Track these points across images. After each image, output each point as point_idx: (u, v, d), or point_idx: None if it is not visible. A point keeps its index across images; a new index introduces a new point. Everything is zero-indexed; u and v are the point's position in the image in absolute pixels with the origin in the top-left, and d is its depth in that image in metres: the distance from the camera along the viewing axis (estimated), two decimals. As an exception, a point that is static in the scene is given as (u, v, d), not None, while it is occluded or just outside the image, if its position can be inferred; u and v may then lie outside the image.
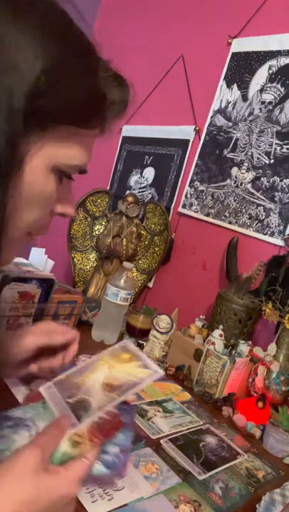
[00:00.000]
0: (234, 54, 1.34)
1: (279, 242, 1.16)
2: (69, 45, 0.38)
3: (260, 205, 1.22)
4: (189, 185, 1.43)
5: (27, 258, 1.05)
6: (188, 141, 1.46)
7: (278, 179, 1.18)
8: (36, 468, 0.42)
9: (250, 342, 1.05)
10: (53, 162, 0.41)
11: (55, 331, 0.70)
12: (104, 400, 0.50)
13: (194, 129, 1.43)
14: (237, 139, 1.30)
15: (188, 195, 1.42)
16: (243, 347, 1.01)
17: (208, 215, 1.35)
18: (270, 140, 1.22)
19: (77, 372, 0.56)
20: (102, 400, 0.50)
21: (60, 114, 0.38)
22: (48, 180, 0.42)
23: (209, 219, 1.35)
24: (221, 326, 1.06)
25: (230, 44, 1.35)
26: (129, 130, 1.71)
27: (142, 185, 1.63)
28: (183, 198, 1.44)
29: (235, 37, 1.35)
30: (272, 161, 1.20)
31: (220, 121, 1.36)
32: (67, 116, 0.39)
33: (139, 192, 1.63)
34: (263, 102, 1.25)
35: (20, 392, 0.73)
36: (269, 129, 1.22)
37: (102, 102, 0.42)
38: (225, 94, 1.36)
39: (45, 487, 0.42)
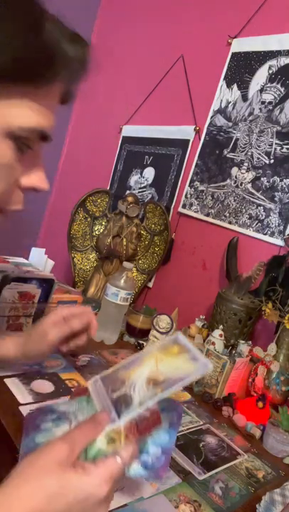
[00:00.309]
0: (234, 54, 1.34)
1: (279, 242, 1.16)
2: (7, 3, 0.36)
3: (260, 205, 1.22)
4: (189, 185, 1.43)
5: (27, 258, 1.05)
6: (188, 141, 1.46)
7: (278, 179, 1.18)
8: (61, 463, 0.41)
9: (250, 342, 1.05)
10: (4, 125, 0.39)
11: (73, 315, 0.74)
12: (147, 396, 0.48)
13: (194, 129, 1.43)
14: (237, 139, 1.30)
15: (188, 195, 1.42)
16: (243, 347, 1.01)
17: (208, 215, 1.35)
18: (270, 140, 1.22)
19: (124, 366, 0.54)
20: (144, 396, 0.48)
21: (3, 71, 0.36)
22: (3, 146, 0.40)
23: (209, 219, 1.35)
24: (221, 326, 1.06)
25: (230, 44, 1.36)
26: (129, 130, 1.71)
27: (142, 185, 1.63)
28: (183, 198, 1.44)
29: (235, 37, 1.35)
30: (272, 161, 1.20)
31: (220, 121, 1.36)
32: (11, 73, 0.37)
33: (139, 192, 1.63)
34: (263, 102, 1.25)
35: (20, 392, 0.73)
36: (269, 129, 1.22)
37: (50, 58, 0.39)
38: (225, 94, 1.36)
39: (70, 483, 0.40)
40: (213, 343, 1.01)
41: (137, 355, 0.55)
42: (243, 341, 1.03)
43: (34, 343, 0.72)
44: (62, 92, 0.44)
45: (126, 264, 1.11)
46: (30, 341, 0.72)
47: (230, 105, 1.34)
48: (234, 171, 1.30)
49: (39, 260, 1.03)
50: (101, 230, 1.51)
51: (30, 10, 0.38)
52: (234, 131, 1.32)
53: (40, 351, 0.73)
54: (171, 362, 0.52)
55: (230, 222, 1.29)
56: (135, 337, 1.17)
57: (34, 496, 0.39)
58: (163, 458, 0.49)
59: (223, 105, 1.36)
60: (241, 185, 1.27)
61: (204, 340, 1.06)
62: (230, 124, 1.33)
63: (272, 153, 1.21)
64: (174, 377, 0.49)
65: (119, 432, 0.46)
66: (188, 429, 0.81)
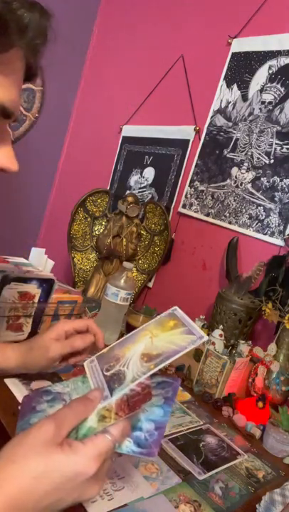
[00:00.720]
0: (234, 54, 1.34)
1: (279, 242, 1.16)
2: None
3: (260, 205, 1.22)
4: (189, 185, 1.43)
5: (27, 258, 1.05)
6: (188, 141, 1.46)
7: (278, 179, 1.18)
8: (47, 443, 0.41)
9: (250, 342, 1.05)
10: None
11: (75, 330, 0.73)
12: (140, 371, 0.47)
13: (194, 129, 1.43)
14: (237, 139, 1.30)
15: (188, 195, 1.42)
16: (243, 347, 1.01)
17: (208, 215, 1.35)
18: (270, 140, 1.22)
19: (119, 344, 0.54)
20: (137, 371, 0.48)
21: None
22: None
23: (209, 219, 1.35)
24: (221, 326, 1.06)
25: (230, 44, 1.35)
26: (129, 130, 1.71)
27: (142, 185, 1.63)
28: (183, 198, 1.44)
29: (235, 37, 1.35)
30: (272, 161, 1.20)
31: (220, 121, 1.36)
32: None
33: (139, 192, 1.63)
34: (263, 102, 1.25)
35: (20, 392, 0.73)
36: (269, 129, 1.22)
37: (2, 24, 0.36)
38: (225, 94, 1.36)
39: (56, 463, 0.40)
40: (213, 343, 1.01)
41: (132, 333, 0.54)
42: (243, 341, 1.03)
43: (34, 356, 0.71)
44: (23, 66, 0.42)
45: (126, 264, 1.11)
46: (30, 354, 0.72)
47: (230, 105, 1.34)
48: (234, 171, 1.30)
49: (39, 260, 1.03)
50: (101, 230, 1.51)
51: None
52: (234, 131, 1.32)
53: (40, 365, 0.72)
54: (165, 336, 0.51)
55: (230, 222, 1.29)
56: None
57: (20, 477, 0.39)
58: (156, 433, 0.48)
59: (223, 105, 1.36)
60: (241, 185, 1.27)
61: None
62: (230, 124, 1.33)
63: (272, 153, 1.21)
64: (168, 351, 0.48)
65: (110, 410, 0.46)
66: (188, 429, 0.81)
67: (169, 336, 0.51)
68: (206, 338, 0.50)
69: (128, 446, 0.47)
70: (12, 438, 0.43)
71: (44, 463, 0.40)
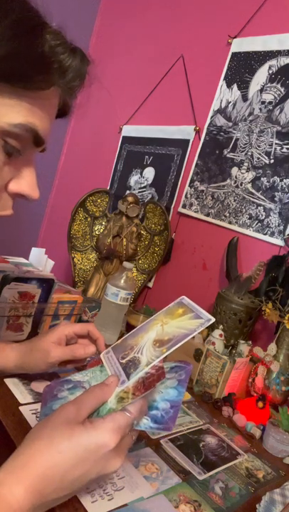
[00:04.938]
0: (234, 54, 1.34)
1: (279, 242, 1.16)
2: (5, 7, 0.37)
3: (260, 205, 1.22)
4: (189, 185, 1.43)
5: (27, 258, 1.05)
6: (188, 141, 1.46)
7: (278, 179, 1.18)
8: (69, 421, 0.45)
9: (250, 342, 1.05)
10: None
11: (76, 334, 0.75)
12: (154, 356, 0.50)
13: (194, 129, 1.43)
14: (237, 139, 1.30)
15: (188, 195, 1.42)
16: (243, 347, 1.01)
17: (208, 215, 1.35)
18: (270, 140, 1.22)
19: (132, 334, 0.58)
20: (150, 356, 0.51)
21: None
22: None
23: (209, 219, 1.35)
24: (221, 326, 1.06)
25: (230, 44, 1.36)
26: (129, 130, 1.71)
27: (142, 185, 1.63)
28: (183, 198, 1.44)
29: (235, 37, 1.35)
30: (272, 161, 1.20)
31: (220, 121, 1.36)
32: (2, 73, 0.37)
33: (139, 192, 1.63)
34: (263, 102, 1.25)
35: (20, 392, 0.73)
36: (269, 129, 1.22)
37: (45, 65, 0.40)
38: (225, 94, 1.36)
39: (79, 437, 0.43)
40: (213, 343, 1.01)
41: (144, 323, 0.58)
42: (243, 341, 1.03)
43: (34, 358, 0.72)
44: (58, 103, 0.45)
45: (126, 264, 1.11)
46: (30, 356, 0.72)
47: (230, 105, 1.34)
48: (234, 171, 1.30)
49: (39, 260, 1.03)
50: (101, 230, 1.51)
51: (28, 18, 0.39)
52: (234, 131, 1.32)
53: (39, 368, 0.72)
54: (175, 323, 0.55)
55: (230, 222, 1.29)
56: (135, 337, 1.17)
57: (46, 453, 0.42)
58: (172, 411, 0.51)
59: (223, 105, 1.36)
60: (241, 185, 1.27)
61: (204, 340, 1.06)
62: (230, 124, 1.33)
63: (272, 153, 1.21)
64: (179, 335, 0.51)
65: (128, 392, 0.49)
66: (188, 429, 0.81)
67: (179, 322, 0.54)
68: (213, 319, 0.53)
69: (146, 423, 0.50)
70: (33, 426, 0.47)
71: (68, 438, 0.43)
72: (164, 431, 0.50)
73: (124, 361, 0.53)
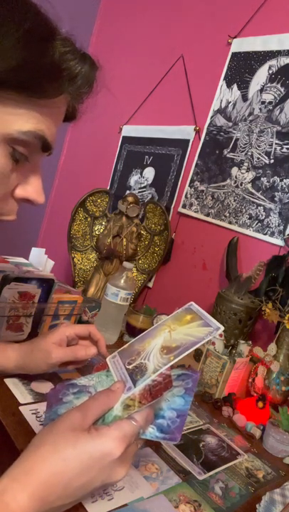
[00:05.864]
0: (234, 54, 1.34)
1: (279, 242, 1.16)
2: (15, 14, 0.37)
3: (260, 205, 1.22)
4: (189, 185, 1.43)
5: (27, 258, 1.05)
6: (188, 141, 1.46)
7: (278, 179, 1.18)
8: (75, 428, 0.44)
9: (250, 342, 1.05)
10: (3, 131, 0.39)
11: (77, 335, 0.75)
12: (160, 363, 0.49)
13: (194, 129, 1.43)
14: (237, 139, 1.30)
15: (188, 195, 1.42)
16: (243, 347, 1.01)
17: (208, 215, 1.35)
18: (270, 140, 1.22)
19: (139, 339, 0.57)
20: (158, 363, 0.50)
21: (4, 78, 0.37)
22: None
23: (209, 219, 1.35)
24: (221, 326, 1.06)
25: (230, 44, 1.36)
26: (129, 130, 1.71)
27: (142, 185, 1.63)
28: (183, 198, 1.44)
29: (235, 37, 1.35)
30: (272, 161, 1.20)
31: (220, 121, 1.36)
32: (12, 82, 0.37)
33: (139, 192, 1.63)
34: (263, 102, 1.25)
35: (20, 392, 0.73)
36: (269, 129, 1.22)
37: (56, 73, 0.40)
38: (225, 94, 1.36)
39: (84, 444, 0.43)
40: (213, 343, 1.01)
41: (151, 328, 0.57)
42: (243, 341, 1.03)
43: (34, 359, 0.71)
44: (66, 108, 0.45)
45: (126, 264, 1.11)
46: (31, 356, 0.72)
47: (230, 105, 1.34)
48: (234, 171, 1.30)
49: (39, 260, 1.03)
50: (101, 230, 1.51)
51: (40, 27, 0.39)
52: (234, 131, 1.32)
53: (40, 368, 0.72)
54: (183, 329, 0.53)
55: (230, 222, 1.29)
56: (135, 337, 1.17)
57: (50, 460, 0.42)
58: (178, 420, 0.50)
59: (223, 105, 1.36)
60: (241, 185, 1.27)
61: (204, 340, 1.06)
62: (230, 124, 1.33)
63: (272, 153, 1.21)
64: (187, 343, 0.50)
65: (134, 399, 0.48)
66: (188, 429, 0.81)
67: (187, 329, 0.53)
68: (222, 328, 0.52)
69: (152, 432, 0.49)
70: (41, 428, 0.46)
71: (72, 446, 0.42)
72: (170, 441, 0.49)
73: (130, 367, 0.52)
